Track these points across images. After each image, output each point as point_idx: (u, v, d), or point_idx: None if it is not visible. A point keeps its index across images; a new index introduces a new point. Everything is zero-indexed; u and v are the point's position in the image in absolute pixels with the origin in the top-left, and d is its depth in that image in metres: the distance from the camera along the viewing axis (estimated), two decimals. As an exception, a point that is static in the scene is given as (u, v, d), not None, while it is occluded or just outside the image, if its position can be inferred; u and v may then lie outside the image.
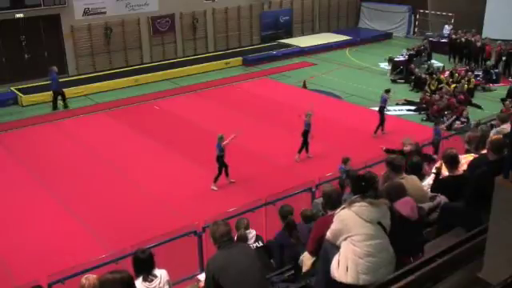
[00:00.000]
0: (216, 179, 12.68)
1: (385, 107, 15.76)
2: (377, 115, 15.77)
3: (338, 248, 4.15)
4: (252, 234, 6.80)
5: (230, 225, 4.62)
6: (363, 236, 3.99)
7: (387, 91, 16.03)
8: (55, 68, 19.24)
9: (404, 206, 4.54)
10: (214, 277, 4.16)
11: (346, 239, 4.08)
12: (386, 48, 26.75)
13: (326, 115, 16.37)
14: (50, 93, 19.23)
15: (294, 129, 15.47)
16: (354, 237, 4.03)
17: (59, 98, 19.07)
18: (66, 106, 19.25)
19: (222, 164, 12.58)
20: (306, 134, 13.90)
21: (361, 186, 4.31)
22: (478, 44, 22.88)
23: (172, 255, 6.76)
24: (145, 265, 5.22)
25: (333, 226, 4.25)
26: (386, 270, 4.04)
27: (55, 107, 19.04)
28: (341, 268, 4.04)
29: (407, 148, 8.71)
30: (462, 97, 17.88)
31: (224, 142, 12.42)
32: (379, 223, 4.08)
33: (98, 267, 6.71)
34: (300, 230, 6.47)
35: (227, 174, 12.81)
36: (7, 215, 11.69)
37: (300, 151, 14.05)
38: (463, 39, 23.65)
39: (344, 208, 4.20)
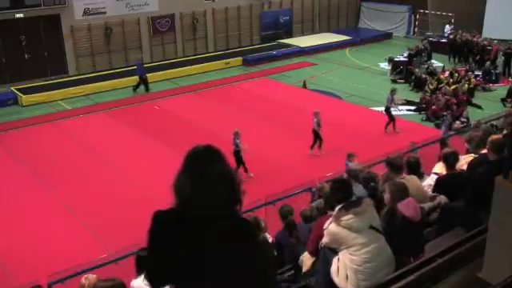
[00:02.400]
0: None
1: (389, 107, 15.74)
2: (380, 116, 15.76)
3: (336, 252, 4.15)
4: (270, 240, 6.65)
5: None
6: (358, 246, 3.98)
7: (392, 91, 16.01)
8: (140, 56, 22.10)
9: (407, 207, 4.53)
10: None
11: (341, 250, 4.08)
12: (386, 48, 26.73)
13: (326, 115, 16.31)
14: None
15: (293, 129, 15.49)
16: (349, 248, 4.01)
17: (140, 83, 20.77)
18: (147, 90, 20.78)
19: (239, 159, 12.76)
20: (315, 131, 14.12)
21: (344, 193, 4.24)
22: (481, 45, 22.87)
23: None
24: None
25: (325, 239, 4.23)
26: (386, 271, 4.04)
27: (135, 89, 20.78)
28: (340, 275, 4.04)
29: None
30: (463, 97, 17.86)
31: (240, 143, 12.68)
32: (371, 227, 4.06)
33: (98, 267, 6.72)
34: (300, 230, 6.46)
35: (246, 170, 13.01)
36: (7, 215, 11.69)
37: (312, 147, 14.25)
38: (463, 39, 23.66)
39: (331, 223, 4.16)
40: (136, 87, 20.76)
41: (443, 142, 11.94)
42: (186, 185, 2.34)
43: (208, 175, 2.32)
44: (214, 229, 2.26)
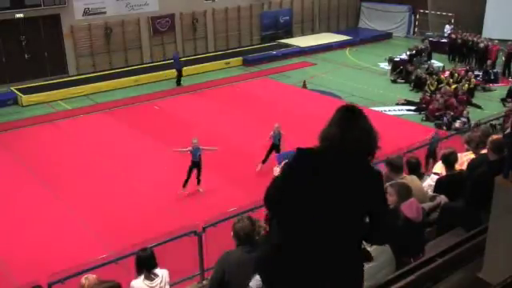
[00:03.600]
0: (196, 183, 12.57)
1: None
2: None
3: None
4: None
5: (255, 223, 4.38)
6: None
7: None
8: (177, 51, 23.19)
9: (410, 208, 4.53)
10: (224, 271, 4.11)
11: None
12: (386, 48, 26.74)
13: (326, 115, 16.30)
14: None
15: (293, 129, 15.46)
16: None
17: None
18: (178, 84, 21.59)
19: (191, 169, 12.32)
20: (274, 146, 13.55)
21: None
22: (481, 45, 22.88)
23: (172, 255, 6.75)
24: (146, 263, 5.23)
25: None
26: (387, 271, 4.04)
27: (179, 83, 21.67)
28: None
29: None
30: (463, 97, 17.85)
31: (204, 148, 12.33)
32: None
33: (98, 267, 6.71)
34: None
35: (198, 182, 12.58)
36: (7, 215, 11.69)
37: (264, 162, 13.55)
38: (463, 39, 23.67)
39: None
40: (178, 81, 21.59)
41: (431, 154, 11.65)
42: (332, 134, 2.78)
43: (353, 128, 2.77)
44: (344, 170, 2.67)
